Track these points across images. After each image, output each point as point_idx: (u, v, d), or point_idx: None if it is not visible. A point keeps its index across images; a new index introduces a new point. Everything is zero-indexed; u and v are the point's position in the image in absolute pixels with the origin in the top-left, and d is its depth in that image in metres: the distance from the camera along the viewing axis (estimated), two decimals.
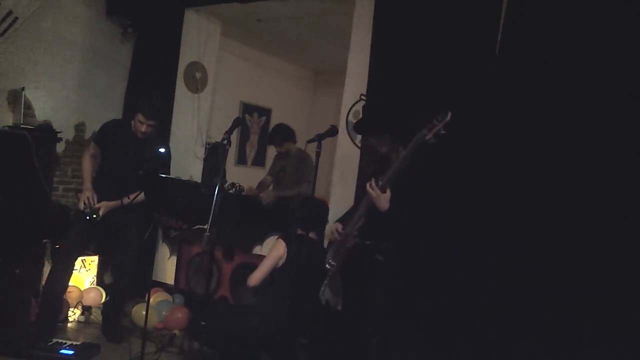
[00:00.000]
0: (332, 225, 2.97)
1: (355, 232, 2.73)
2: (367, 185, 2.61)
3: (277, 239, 3.26)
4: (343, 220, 2.90)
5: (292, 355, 3.02)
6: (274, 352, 3.11)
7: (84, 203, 3.57)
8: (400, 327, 2.77)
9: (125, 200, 3.62)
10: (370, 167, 2.84)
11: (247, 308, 3.24)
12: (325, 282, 2.90)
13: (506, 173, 2.91)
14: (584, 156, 2.72)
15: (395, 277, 2.67)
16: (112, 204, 3.63)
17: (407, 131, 2.50)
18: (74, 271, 3.82)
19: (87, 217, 3.54)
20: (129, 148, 3.70)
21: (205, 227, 2.86)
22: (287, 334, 3.02)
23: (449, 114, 2.33)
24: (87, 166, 3.80)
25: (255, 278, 3.13)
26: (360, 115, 3.62)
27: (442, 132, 2.35)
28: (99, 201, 3.60)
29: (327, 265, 2.87)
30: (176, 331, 3.86)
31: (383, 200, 2.53)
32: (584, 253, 2.67)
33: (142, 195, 3.58)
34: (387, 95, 3.40)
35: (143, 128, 3.63)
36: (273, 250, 3.20)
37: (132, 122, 3.72)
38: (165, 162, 3.82)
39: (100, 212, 3.58)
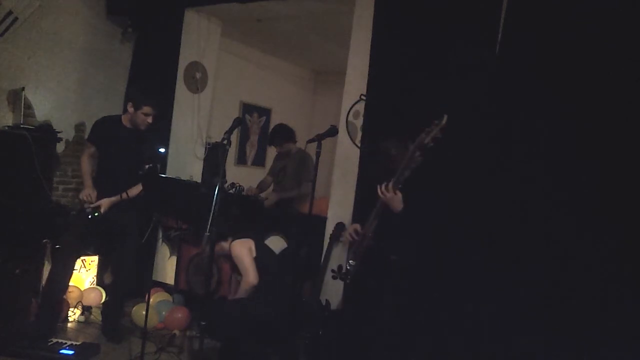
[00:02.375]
0: (351, 226, 3.03)
1: (370, 234, 2.78)
2: (378, 189, 2.65)
3: (237, 241, 3.35)
4: (362, 221, 2.92)
5: (292, 349, 3.03)
6: (274, 344, 3.12)
7: (85, 199, 3.58)
8: (410, 327, 2.78)
9: (124, 196, 3.63)
10: (380, 170, 2.86)
11: (248, 300, 3.25)
12: (347, 282, 2.99)
13: (506, 172, 2.91)
14: (585, 155, 2.72)
15: (408, 277, 2.69)
16: (112, 199, 3.63)
17: (408, 131, 2.52)
18: (74, 271, 3.82)
19: (89, 216, 3.54)
20: (124, 142, 3.71)
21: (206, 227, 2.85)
22: (286, 326, 3.04)
23: (445, 118, 2.41)
24: (86, 166, 3.82)
25: (253, 276, 3.23)
26: (361, 115, 3.64)
27: (439, 136, 2.43)
28: (99, 198, 3.61)
29: (347, 266, 2.93)
30: (176, 331, 3.86)
31: (396, 201, 2.62)
32: (588, 253, 2.67)
33: (139, 188, 3.59)
34: (387, 96, 3.40)
35: (150, 119, 3.68)
36: (245, 250, 3.32)
37: (128, 116, 3.72)
38: (161, 161, 3.83)
39: (102, 210, 3.59)
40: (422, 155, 2.59)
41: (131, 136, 3.73)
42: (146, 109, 3.66)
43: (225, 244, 3.39)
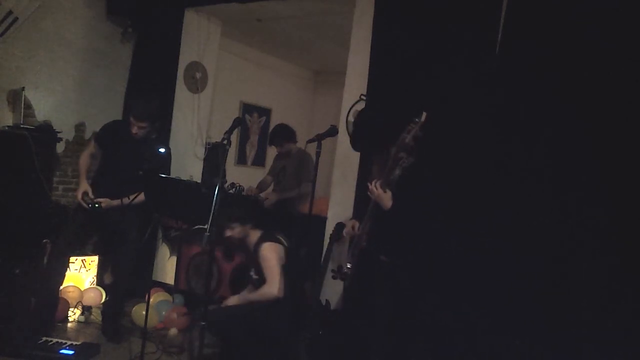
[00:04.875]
0: (349, 222, 3.00)
1: (365, 235, 2.78)
2: (369, 185, 2.64)
3: (269, 244, 3.23)
4: (361, 220, 2.91)
5: (292, 349, 3.02)
6: (274, 346, 3.12)
7: (83, 200, 3.58)
8: (403, 328, 2.78)
9: (125, 201, 3.63)
10: (375, 169, 2.86)
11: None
12: (345, 285, 2.98)
13: (506, 172, 2.91)
14: (585, 155, 2.72)
15: (399, 278, 2.68)
16: (113, 202, 3.64)
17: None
18: (74, 271, 3.83)
19: (89, 206, 3.55)
20: (129, 148, 3.72)
21: (205, 227, 2.85)
22: (287, 329, 3.04)
23: (424, 115, 2.40)
24: (84, 163, 3.84)
25: (279, 288, 3.07)
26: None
27: (420, 133, 2.41)
28: (97, 197, 3.62)
29: (344, 269, 2.90)
30: (173, 329, 3.86)
31: (385, 199, 2.60)
32: (588, 253, 2.67)
33: (141, 196, 3.59)
34: (387, 96, 3.40)
35: (134, 129, 3.66)
36: (276, 256, 3.17)
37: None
38: (165, 162, 3.83)
39: (103, 205, 3.60)
40: (411, 155, 2.59)
41: (135, 142, 3.73)
42: (130, 119, 3.67)
43: (238, 229, 3.29)
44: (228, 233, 3.29)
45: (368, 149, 2.99)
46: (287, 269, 3.17)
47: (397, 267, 2.68)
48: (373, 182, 2.64)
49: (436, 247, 2.83)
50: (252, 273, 3.36)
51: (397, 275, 2.68)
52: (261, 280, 3.20)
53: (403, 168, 2.63)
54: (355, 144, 3.49)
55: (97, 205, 3.56)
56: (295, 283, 3.21)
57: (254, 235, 3.32)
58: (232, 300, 3.27)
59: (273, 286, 3.09)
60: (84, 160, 3.85)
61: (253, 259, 3.30)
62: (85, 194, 3.61)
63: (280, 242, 3.27)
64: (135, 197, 3.57)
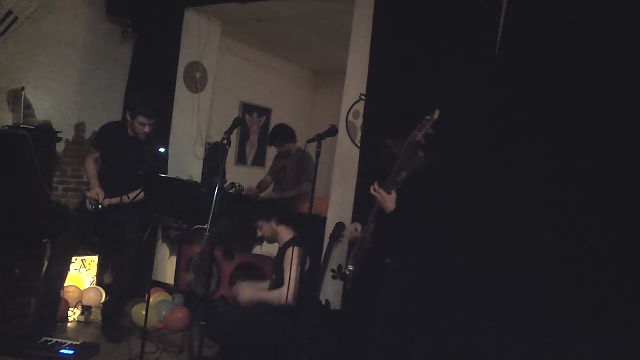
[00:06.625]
0: (352, 225, 3.00)
1: (369, 237, 2.76)
2: (371, 188, 2.61)
3: (298, 249, 3.10)
4: (362, 221, 2.91)
5: (292, 350, 3.02)
6: (275, 346, 3.11)
7: (93, 197, 3.59)
8: (407, 330, 2.78)
9: (125, 199, 3.63)
10: (381, 168, 2.83)
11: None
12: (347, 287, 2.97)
13: (506, 173, 2.91)
14: (586, 155, 2.72)
15: (404, 280, 2.67)
16: (113, 200, 3.65)
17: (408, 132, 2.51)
18: (74, 271, 3.83)
19: (93, 207, 3.56)
20: (127, 149, 3.72)
21: (205, 227, 2.85)
22: (288, 331, 3.03)
23: (437, 113, 2.34)
24: (91, 169, 3.85)
25: (288, 295, 2.98)
26: (361, 115, 3.64)
27: (431, 132, 2.35)
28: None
29: (346, 271, 2.90)
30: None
31: (389, 201, 2.54)
32: (589, 255, 2.67)
33: (142, 194, 3.59)
34: (387, 95, 3.41)
35: (146, 129, 3.67)
36: (301, 263, 3.08)
37: (128, 125, 3.73)
38: (164, 162, 3.83)
39: (105, 204, 3.61)
40: (424, 155, 2.57)
41: (134, 143, 3.73)
42: (141, 119, 3.65)
43: (266, 227, 3.24)
44: (259, 234, 3.27)
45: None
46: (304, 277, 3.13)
47: (401, 269, 2.66)
48: (376, 184, 2.60)
49: (439, 250, 2.82)
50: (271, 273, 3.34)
51: (401, 278, 2.67)
52: (278, 282, 3.16)
53: (412, 170, 2.61)
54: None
55: (100, 207, 3.57)
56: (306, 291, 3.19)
57: (285, 235, 3.25)
58: (246, 293, 3.18)
59: (284, 291, 3.03)
60: (90, 166, 3.86)
61: (279, 258, 3.24)
62: (96, 194, 3.61)
63: (307, 249, 3.18)
64: (137, 195, 3.57)
